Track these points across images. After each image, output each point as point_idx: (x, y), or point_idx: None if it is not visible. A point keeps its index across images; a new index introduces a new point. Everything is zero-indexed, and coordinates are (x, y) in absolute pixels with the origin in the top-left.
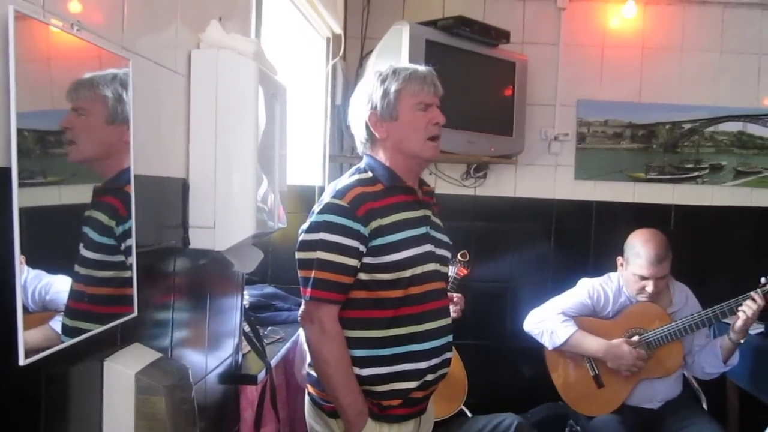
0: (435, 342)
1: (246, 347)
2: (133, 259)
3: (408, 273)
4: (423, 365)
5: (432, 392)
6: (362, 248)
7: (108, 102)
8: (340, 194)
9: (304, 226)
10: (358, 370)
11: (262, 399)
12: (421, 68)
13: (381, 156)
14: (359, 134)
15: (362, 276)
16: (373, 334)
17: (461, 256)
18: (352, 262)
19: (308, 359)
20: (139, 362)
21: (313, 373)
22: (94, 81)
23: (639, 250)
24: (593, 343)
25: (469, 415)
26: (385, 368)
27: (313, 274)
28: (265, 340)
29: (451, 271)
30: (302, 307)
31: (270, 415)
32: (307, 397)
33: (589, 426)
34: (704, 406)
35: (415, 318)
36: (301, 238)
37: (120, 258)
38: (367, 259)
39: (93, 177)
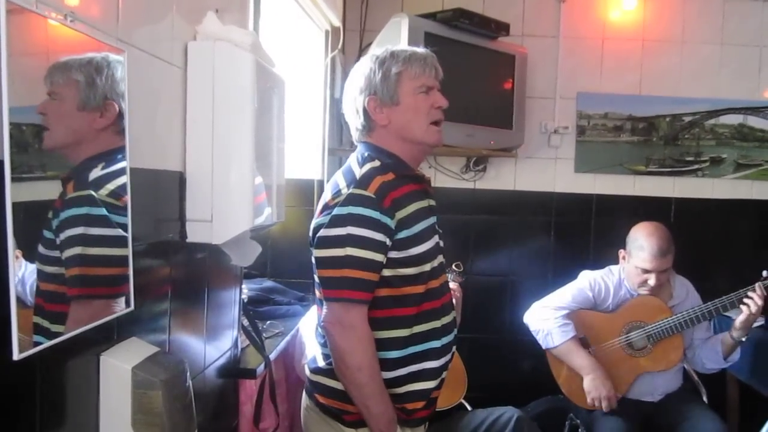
0: (448, 337)
1: (245, 341)
2: (129, 252)
3: (428, 266)
4: (440, 362)
5: None
6: (389, 242)
7: (81, 87)
8: (363, 184)
9: (321, 220)
10: (385, 374)
11: (261, 393)
12: (421, 50)
13: (382, 143)
14: (355, 121)
15: (385, 272)
16: (397, 334)
17: (456, 266)
18: (380, 257)
19: (307, 357)
20: (136, 356)
21: (320, 381)
22: (67, 65)
23: (642, 243)
24: (581, 361)
25: (469, 408)
26: (406, 368)
27: (342, 273)
28: (264, 334)
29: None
30: (326, 311)
31: (269, 410)
32: (309, 406)
33: (589, 419)
34: (704, 399)
35: (435, 313)
36: (321, 233)
37: (56, 253)
38: (392, 254)
39: (66, 166)
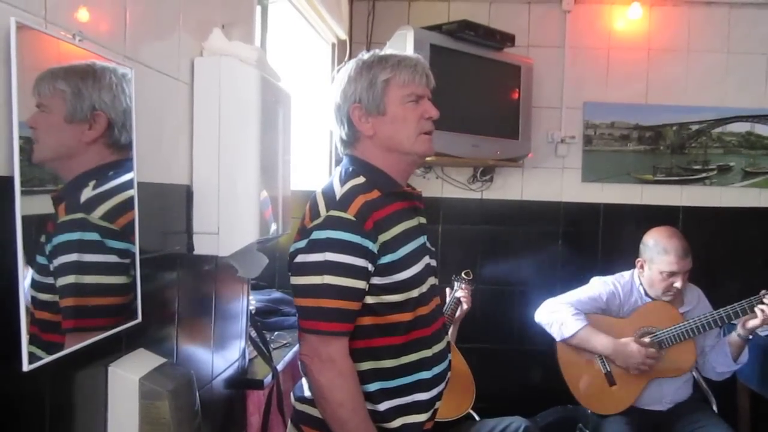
0: (440, 366)
1: (252, 352)
2: (137, 265)
3: (415, 292)
4: (432, 394)
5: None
6: (371, 267)
7: (67, 97)
8: (342, 205)
9: (299, 244)
10: (372, 406)
11: (268, 404)
12: (411, 55)
13: (368, 156)
14: (340, 131)
15: (368, 299)
16: (383, 365)
17: (465, 274)
18: (362, 284)
19: (300, 392)
20: (144, 367)
21: (306, 410)
22: (52, 74)
23: (665, 247)
24: (601, 341)
25: (477, 418)
26: (394, 401)
27: (320, 303)
28: (271, 345)
29: (456, 285)
30: (303, 343)
31: (277, 420)
32: None
33: (599, 430)
34: (714, 408)
35: (425, 342)
36: (298, 259)
37: (50, 280)
38: (375, 280)
39: (57, 182)
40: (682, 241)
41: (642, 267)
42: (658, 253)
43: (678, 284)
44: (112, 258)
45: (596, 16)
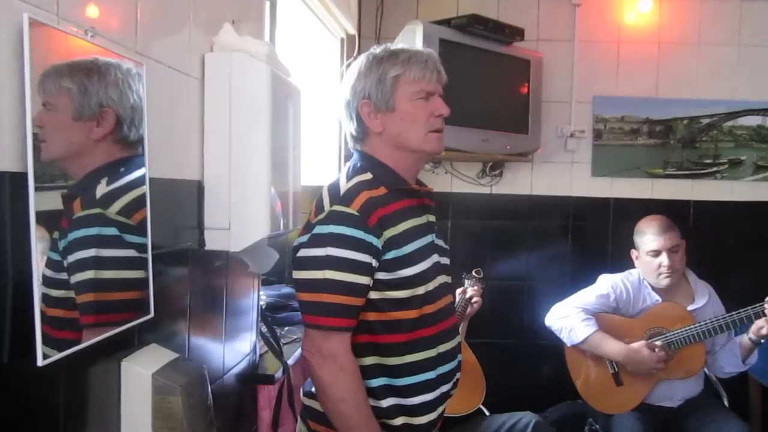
0: (445, 367)
1: (263, 347)
2: (149, 261)
3: (421, 290)
4: (436, 394)
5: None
6: (375, 263)
7: (74, 95)
8: (346, 200)
9: (302, 239)
10: (375, 402)
11: (279, 399)
12: (423, 51)
13: (377, 153)
14: (349, 127)
15: (372, 295)
16: (387, 362)
17: (476, 272)
18: (365, 280)
19: (309, 387)
20: (156, 363)
21: (312, 405)
22: (57, 72)
23: (644, 230)
24: (613, 346)
25: (487, 413)
26: (396, 399)
27: (321, 297)
28: (282, 340)
29: (467, 284)
30: (305, 338)
31: (288, 415)
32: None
33: (609, 425)
34: (725, 403)
35: (429, 341)
36: (300, 254)
37: (63, 276)
38: (379, 275)
39: (67, 181)
40: (661, 221)
41: (637, 258)
42: (640, 237)
43: (665, 263)
44: (131, 252)
45: (606, 9)
